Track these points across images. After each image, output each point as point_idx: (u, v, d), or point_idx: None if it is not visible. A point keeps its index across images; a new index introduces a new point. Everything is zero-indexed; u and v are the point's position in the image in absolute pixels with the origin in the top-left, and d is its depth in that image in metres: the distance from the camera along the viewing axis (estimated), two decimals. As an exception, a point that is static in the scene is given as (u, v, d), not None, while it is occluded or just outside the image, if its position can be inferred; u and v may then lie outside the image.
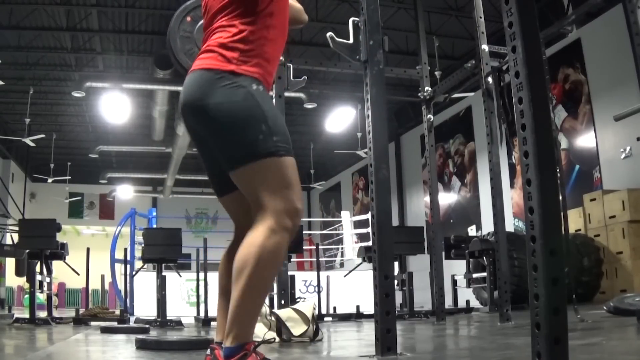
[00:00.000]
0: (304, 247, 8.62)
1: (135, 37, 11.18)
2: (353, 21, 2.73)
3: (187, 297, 9.47)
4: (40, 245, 6.12)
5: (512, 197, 10.54)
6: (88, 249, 7.19)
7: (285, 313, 3.62)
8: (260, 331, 3.48)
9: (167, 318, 5.99)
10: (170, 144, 14.22)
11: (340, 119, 13.39)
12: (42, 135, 12.72)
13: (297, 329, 3.53)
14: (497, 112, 5.42)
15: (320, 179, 17.58)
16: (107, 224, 19.12)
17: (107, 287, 12.74)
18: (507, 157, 10.62)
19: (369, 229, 2.88)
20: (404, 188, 14.89)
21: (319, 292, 7.52)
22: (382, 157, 2.60)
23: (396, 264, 6.73)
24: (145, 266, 7.19)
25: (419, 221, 13.25)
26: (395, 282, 4.50)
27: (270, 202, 1.72)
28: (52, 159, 15.12)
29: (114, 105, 12.23)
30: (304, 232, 8.23)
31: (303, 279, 9.39)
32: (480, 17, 4.90)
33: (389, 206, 2.59)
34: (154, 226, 12.26)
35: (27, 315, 5.93)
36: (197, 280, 7.64)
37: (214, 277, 7.70)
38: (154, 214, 13.70)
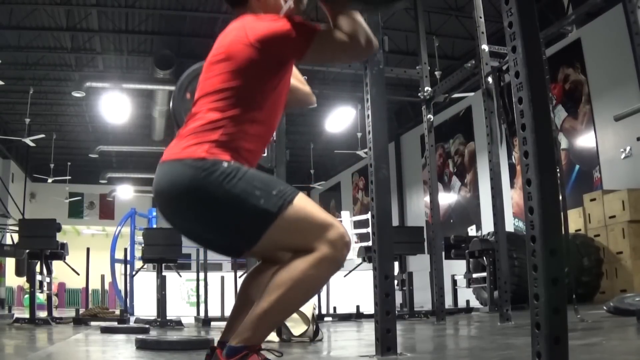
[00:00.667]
0: (304, 247, 8.58)
1: (135, 37, 11.18)
2: (353, 21, 2.73)
3: (187, 297, 9.47)
4: (40, 245, 6.12)
5: (512, 197, 10.54)
6: (88, 249, 7.19)
7: (285, 313, 3.61)
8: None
9: (167, 318, 5.99)
10: (170, 144, 14.21)
11: (340, 119, 13.40)
12: (42, 135, 12.73)
13: (297, 329, 3.53)
14: (497, 112, 5.42)
15: (320, 179, 17.58)
16: (107, 224, 19.12)
17: (107, 287, 12.74)
18: (507, 157, 10.62)
19: (369, 229, 2.88)
20: (404, 188, 14.89)
21: (319, 292, 7.51)
22: (382, 157, 2.60)
23: (396, 264, 6.73)
24: (145, 266, 7.20)
25: (419, 221, 13.25)
26: (395, 282, 4.50)
27: (316, 248, 1.64)
28: (52, 159, 15.13)
29: (114, 105, 12.24)
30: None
31: (303, 279, 9.36)
32: (480, 17, 4.90)
33: (389, 206, 2.59)
34: (154, 226, 12.25)
35: (27, 315, 5.93)
36: (197, 280, 7.64)
37: (214, 277, 7.74)
38: (154, 214, 13.69)
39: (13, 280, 14.91)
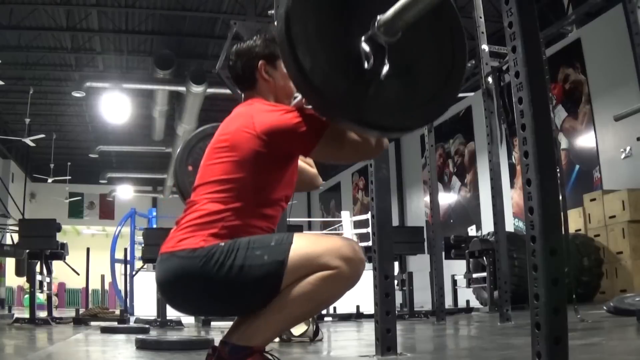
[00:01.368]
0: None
1: (135, 37, 11.18)
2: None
3: (187, 297, 9.46)
4: (40, 245, 6.12)
5: (512, 197, 10.54)
6: (88, 249, 7.20)
7: (285, 313, 3.61)
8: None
9: (167, 318, 5.99)
10: (170, 144, 14.22)
11: (340, 119, 13.38)
12: (42, 135, 12.73)
13: (297, 328, 3.53)
14: (497, 112, 5.42)
15: (320, 179, 17.56)
16: (107, 224, 19.12)
17: (107, 287, 12.76)
18: (507, 157, 10.61)
19: (369, 229, 2.88)
20: (404, 188, 14.89)
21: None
22: (382, 157, 2.60)
23: (396, 264, 6.73)
24: (145, 266, 7.20)
25: (419, 221, 13.25)
26: (395, 282, 4.50)
27: (334, 265, 1.61)
28: (52, 159, 15.13)
29: (114, 105, 12.25)
30: (304, 232, 8.21)
31: (303, 279, 9.36)
32: (480, 17, 4.90)
33: (389, 206, 2.59)
34: (154, 226, 12.26)
35: (27, 315, 5.93)
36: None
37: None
38: (154, 214, 13.70)
39: (13, 280, 14.90)
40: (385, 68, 1.52)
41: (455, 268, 8.71)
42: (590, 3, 4.78)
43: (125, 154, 16.84)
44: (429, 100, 1.61)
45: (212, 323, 6.19)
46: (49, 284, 6.56)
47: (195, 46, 11.52)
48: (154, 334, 4.56)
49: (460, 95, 10.00)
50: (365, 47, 1.51)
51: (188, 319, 7.07)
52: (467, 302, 8.12)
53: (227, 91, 9.09)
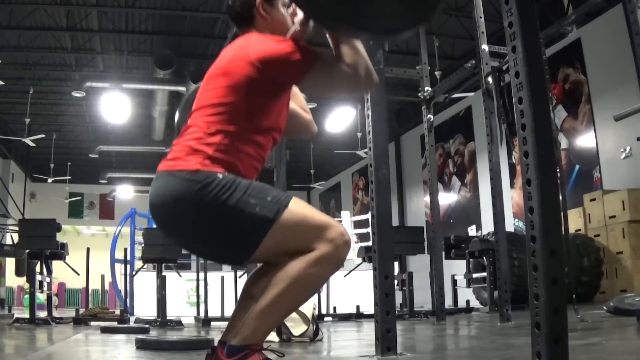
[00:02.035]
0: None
1: (135, 37, 11.18)
2: (353, 21, 2.73)
3: (187, 297, 9.47)
4: (40, 245, 6.12)
5: (512, 197, 10.54)
6: (88, 249, 7.19)
7: (285, 313, 3.61)
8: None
9: (167, 318, 5.99)
10: (170, 144, 14.01)
11: (340, 119, 13.40)
12: (42, 135, 12.72)
13: (297, 329, 3.53)
14: (497, 112, 5.42)
15: (320, 179, 17.57)
16: (107, 224, 19.12)
17: (107, 287, 12.74)
18: (507, 157, 10.61)
19: (369, 229, 2.87)
20: (404, 188, 14.89)
21: (319, 292, 7.51)
22: (382, 157, 2.60)
23: (396, 264, 6.73)
24: (145, 266, 7.20)
25: (419, 221, 13.25)
26: (395, 282, 4.50)
27: (317, 248, 1.65)
28: (52, 159, 15.12)
29: (114, 105, 12.24)
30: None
31: (303, 279, 9.36)
32: (480, 17, 4.90)
33: (389, 206, 2.59)
34: (154, 226, 12.24)
35: (27, 315, 5.93)
36: (197, 280, 7.64)
37: (214, 277, 7.73)
38: (154, 214, 13.67)
39: (13, 280, 14.91)
40: None
41: (455, 268, 8.71)
42: (590, 3, 4.77)
43: (125, 154, 16.84)
44: (418, 2, 1.63)
45: (212, 323, 6.19)
46: (49, 284, 6.56)
47: (195, 46, 11.51)
48: (154, 334, 4.56)
49: (460, 95, 10.01)
50: None
51: (188, 319, 7.07)
52: (467, 302, 8.12)
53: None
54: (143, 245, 6.54)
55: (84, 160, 16.50)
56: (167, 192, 1.69)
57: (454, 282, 8.36)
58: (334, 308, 7.75)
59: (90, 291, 7.83)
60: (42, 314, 6.95)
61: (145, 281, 8.84)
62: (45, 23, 10.38)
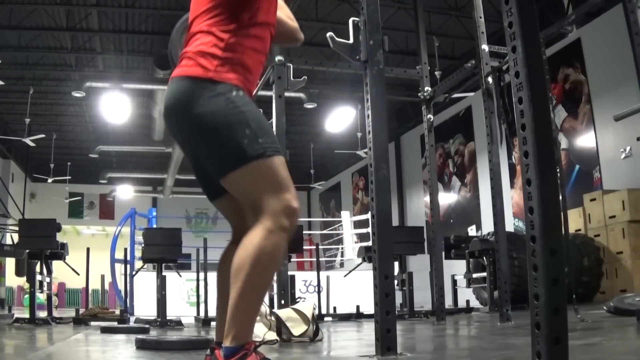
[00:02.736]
0: (304, 247, 8.62)
1: (135, 37, 11.18)
2: (353, 21, 2.73)
3: (187, 297, 9.47)
4: (40, 245, 6.12)
5: (512, 197, 10.54)
6: (88, 249, 7.19)
7: (285, 313, 3.62)
8: (260, 331, 3.48)
9: (167, 318, 5.99)
10: (170, 144, 14.21)
11: (340, 119, 13.40)
12: (42, 135, 12.72)
13: (297, 329, 3.53)
14: (497, 112, 5.42)
15: (320, 179, 17.58)
16: (107, 224, 19.12)
17: (107, 287, 12.73)
18: (507, 157, 10.62)
19: (369, 229, 2.88)
20: (404, 188, 14.89)
21: (319, 292, 7.51)
22: (382, 157, 2.60)
23: (396, 264, 6.73)
24: (145, 266, 7.19)
25: (419, 221, 13.25)
26: (395, 282, 4.50)
27: (266, 204, 1.72)
28: (52, 159, 15.12)
29: (114, 105, 12.23)
30: (304, 232, 8.23)
31: (303, 279, 9.38)
32: (480, 17, 4.90)
33: (389, 206, 2.59)
34: (154, 226, 12.25)
35: (27, 315, 5.93)
36: (197, 280, 7.64)
37: (213, 277, 7.72)
38: (154, 214, 13.70)
39: (13, 280, 14.91)
40: None
41: (455, 268, 8.71)
42: (590, 3, 4.77)
43: (125, 154, 16.84)
44: None
45: (212, 323, 6.19)
46: (49, 284, 6.55)
47: (195, 46, 11.51)
48: (154, 334, 4.55)
49: (460, 95, 10.01)
50: None
51: (188, 319, 7.08)
52: (467, 302, 8.12)
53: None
54: (143, 245, 6.54)
55: (84, 160, 16.50)
56: (181, 95, 1.78)
57: (454, 282, 8.36)
58: (334, 308, 7.75)
59: (90, 291, 7.83)
60: (42, 314, 6.95)
61: (145, 281, 8.84)
62: (45, 23, 10.38)
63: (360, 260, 7.78)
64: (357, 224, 12.81)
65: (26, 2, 9.49)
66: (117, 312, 7.21)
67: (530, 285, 1.41)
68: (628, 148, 8.08)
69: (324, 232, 15.29)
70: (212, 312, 6.79)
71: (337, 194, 18.61)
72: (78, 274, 6.94)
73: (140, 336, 3.41)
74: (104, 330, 4.69)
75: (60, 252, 6.40)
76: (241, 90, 1.81)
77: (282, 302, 4.82)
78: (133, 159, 17.57)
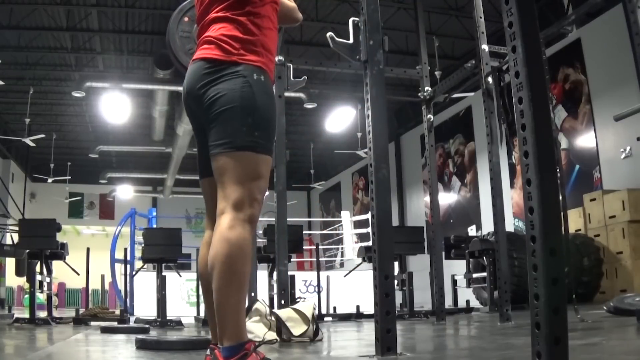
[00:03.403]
0: (304, 247, 8.62)
1: (135, 37, 11.18)
2: (353, 21, 2.74)
3: (187, 297, 9.47)
4: (40, 245, 6.12)
5: (512, 197, 10.54)
6: (88, 249, 7.19)
7: (285, 313, 3.61)
8: (260, 331, 3.48)
9: (167, 318, 5.99)
10: (170, 144, 14.22)
11: (340, 119, 13.39)
12: (42, 135, 12.72)
13: (297, 329, 3.53)
14: (497, 112, 5.42)
15: (320, 179, 17.58)
16: (107, 224, 19.11)
17: (107, 287, 12.73)
18: (507, 157, 10.62)
19: (369, 229, 2.87)
20: (404, 188, 14.89)
21: (319, 292, 7.51)
22: (382, 157, 2.60)
23: (396, 264, 6.73)
24: (145, 266, 7.19)
25: (419, 221, 13.25)
26: (395, 282, 4.50)
27: (232, 192, 1.77)
28: (52, 159, 15.12)
29: (114, 105, 12.23)
30: (304, 232, 8.22)
31: (303, 279, 9.39)
32: (480, 17, 4.90)
33: (389, 206, 2.59)
34: (154, 226, 12.25)
35: (27, 315, 5.93)
36: (197, 280, 7.64)
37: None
38: (154, 214, 13.69)
39: (13, 280, 14.91)
40: None
41: (455, 268, 8.71)
42: (590, 3, 4.77)
43: (125, 154, 16.84)
44: None
45: (212, 323, 6.19)
46: (49, 284, 6.55)
47: (195, 46, 11.51)
48: (154, 334, 4.55)
49: (460, 95, 10.01)
50: None
51: (188, 319, 7.07)
52: (467, 302, 8.12)
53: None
54: (143, 245, 6.54)
55: (84, 160, 16.50)
56: (203, 73, 1.85)
57: (454, 282, 8.36)
58: (334, 308, 7.74)
59: (90, 291, 7.83)
60: (42, 314, 6.95)
61: (145, 281, 8.84)
62: (45, 23, 10.38)
63: (360, 260, 7.78)
64: (357, 224, 12.82)
65: (26, 2, 9.49)
66: (117, 312, 7.20)
67: (530, 285, 1.41)
68: (628, 148, 8.08)
69: (324, 232, 15.29)
70: (212, 312, 6.78)
71: (337, 194, 18.61)
72: (78, 274, 6.94)
73: (140, 336, 3.41)
74: (104, 330, 4.69)
75: (60, 252, 6.40)
76: (264, 74, 1.87)
77: (282, 302, 4.82)
78: (133, 159, 17.56)
